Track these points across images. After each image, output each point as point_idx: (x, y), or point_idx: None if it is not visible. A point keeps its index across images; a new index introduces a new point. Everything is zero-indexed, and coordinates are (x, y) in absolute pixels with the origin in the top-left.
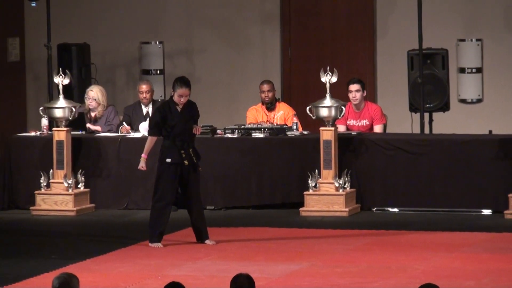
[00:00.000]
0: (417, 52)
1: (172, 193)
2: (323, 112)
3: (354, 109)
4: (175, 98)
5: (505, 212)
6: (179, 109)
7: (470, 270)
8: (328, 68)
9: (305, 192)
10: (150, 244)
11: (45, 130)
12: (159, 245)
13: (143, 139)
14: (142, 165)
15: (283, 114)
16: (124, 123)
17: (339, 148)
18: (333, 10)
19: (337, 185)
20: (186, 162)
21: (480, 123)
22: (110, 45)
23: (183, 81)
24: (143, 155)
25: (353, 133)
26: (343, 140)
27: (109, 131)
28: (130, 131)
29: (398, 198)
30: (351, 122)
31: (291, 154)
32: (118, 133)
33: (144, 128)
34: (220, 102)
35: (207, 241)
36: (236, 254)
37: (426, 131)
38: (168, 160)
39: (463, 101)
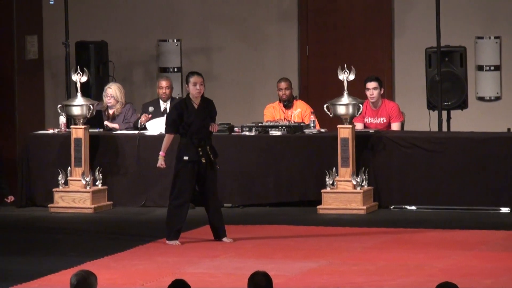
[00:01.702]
0: (435, 49)
1: (189, 190)
2: (341, 110)
3: (371, 106)
4: (191, 90)
5: None
6: (196, 106)
7: (488, 268)
8: (345, 65)
9: (322, 190)
10: (167, 241)
11: (63, 128)
12: (177, 242)
13: (161, 137)
14: (161, 162)
15: (300, 112)
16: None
17: (356, 146)
18: (350, 7)
19: (354, 183)
20: (203, 160)
21: (498, 121)
22: (128, 43)
23: (193, 71)
24: (161, 153)
25: (370, 131)
26: (361, 138)
27: (127, 128)
28: (149, 117)
29: (416, 196)
30: (369, 120)
31: (308, 151)
32: (138, 126)
33: (151, 126)
34: (237, 99)
35: (224, 239)
36: (254, 252)
37: (444, 129)
38: (185, 157)
39: (481, 98)
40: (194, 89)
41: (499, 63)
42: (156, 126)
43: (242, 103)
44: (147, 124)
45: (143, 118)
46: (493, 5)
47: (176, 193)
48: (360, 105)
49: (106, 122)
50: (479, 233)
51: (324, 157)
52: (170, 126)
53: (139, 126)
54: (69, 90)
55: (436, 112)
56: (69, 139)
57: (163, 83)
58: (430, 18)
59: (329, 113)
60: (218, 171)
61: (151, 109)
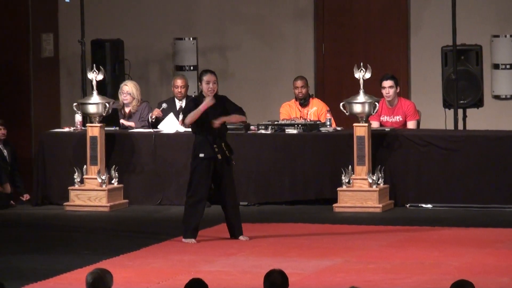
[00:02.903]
0: (451, 48)
1: (205, 188)
2: (357, 108)
3: (387, 105)
4: (204, 88)
5: None
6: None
7: (504, 266)
8: (361, 64)
9: (338, 188)
10: (183, 239)
11: (79, 126)
12: (193, 241)
13: (177, 135)
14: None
15: (316, 110)
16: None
17: (372, 144)
18: (366, 5)
19: (370, 181)
20: (219, 156)
21: None
22: (144, 41)
23: (207, 69)
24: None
25: (386, 129)
26: (377, 136)
27: (142, 127)
28: (161, 113)
29: (432, 194)
30: (385, 118)
31: (324, 150)
32: (150, 119)
33: (164, 125)
34: (253, 98)
35: (240, 237)
36: (270, 250)
37: (460, 127)
38: (201, 155)
39: (497, 97)
40: (207, 88)
41: None
42: (168, 125)
43: (258, 102)
44: (160, 126)
45: (154, 112)
46: (509, 4)
47: (193, 191)
48: (376, 103)
49: (122, 121)
50: (495, 231)
51: (340, 155)
52: (187, 114)
53: (149, 120)
54: (85, 88)
55: (452, 110)
56: (85, 137)
57: (179, 82)
58: (446, 16)
59: (345, 111)
60: (234, 169)
61: (164, 105)
